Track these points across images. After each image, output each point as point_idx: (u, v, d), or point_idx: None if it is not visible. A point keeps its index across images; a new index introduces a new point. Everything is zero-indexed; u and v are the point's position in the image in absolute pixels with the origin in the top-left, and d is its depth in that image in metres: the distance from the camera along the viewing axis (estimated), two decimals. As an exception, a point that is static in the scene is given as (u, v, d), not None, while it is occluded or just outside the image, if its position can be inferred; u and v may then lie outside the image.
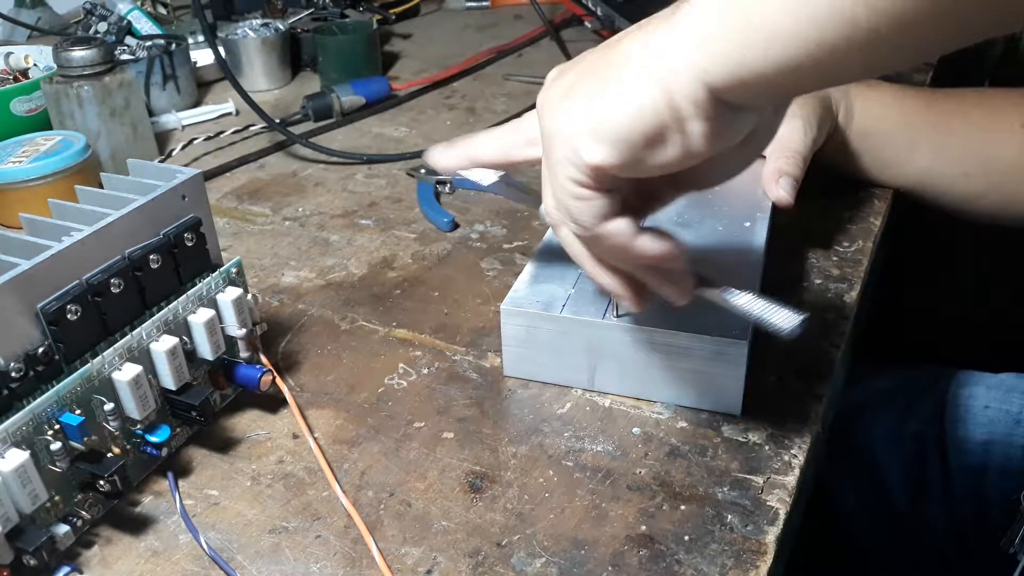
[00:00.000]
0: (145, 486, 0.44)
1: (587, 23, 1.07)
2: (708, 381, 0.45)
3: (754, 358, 0.44)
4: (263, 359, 0.49)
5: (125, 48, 0.88)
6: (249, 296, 0.48)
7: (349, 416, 0.48)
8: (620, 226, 0.37)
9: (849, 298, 0.55)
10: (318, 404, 0.49)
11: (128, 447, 0.43)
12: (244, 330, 0.47)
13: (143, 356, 0.43)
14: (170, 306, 0.44)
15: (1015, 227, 0.65)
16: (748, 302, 0.40)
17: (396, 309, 0.57)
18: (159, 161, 0.75)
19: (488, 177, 0.46)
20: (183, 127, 0.87)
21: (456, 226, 0.66)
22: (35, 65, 0.88)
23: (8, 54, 0.88)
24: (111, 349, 0.41)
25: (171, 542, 0.41)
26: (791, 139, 0.58)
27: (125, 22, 0.92)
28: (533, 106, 0.39)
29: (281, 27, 0.98)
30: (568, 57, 0.96)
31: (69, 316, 0.40)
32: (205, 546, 0.40)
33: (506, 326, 0.48)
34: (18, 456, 0.36)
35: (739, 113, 0.33)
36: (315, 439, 0.46)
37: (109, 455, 0.41)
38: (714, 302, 0.41)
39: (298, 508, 0.42)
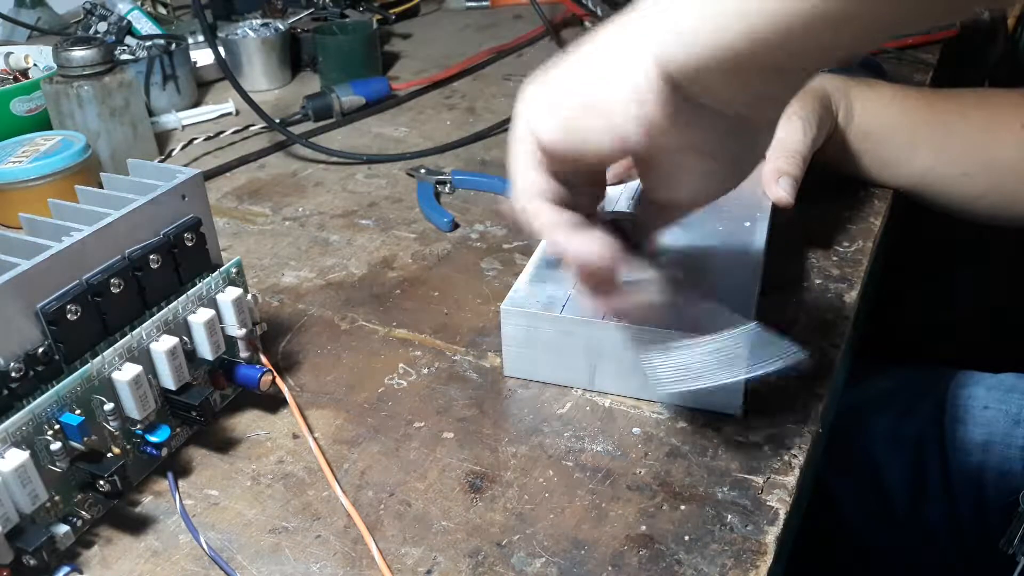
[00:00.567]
0: (145, 486, 0.44)
1: (587, 23, 1.07)
2: None
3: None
4: (263, 359, 0.49)
5: (125, 48, 0.88)
6: (249, 296, 0.48)
7: (349, 416, 0.48)
8: (546, 213, 0.37)
9: (849, 298, 0.55)
10: (318, 404, 0.49)
11: (128, 447, 0.43)
12: (244, 330, 0.47)
13: (143, 356, 0.43)
14: (170, 306, 0.44)
15: (1015, 227, 0.65)
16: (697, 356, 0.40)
17: (396, 309, 0.57)
18: (159, 161, 0.75)
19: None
20: (183, 127, 0.87)
21: (456, 226, 0.66)
22: (35, 65, 0.88)
23: (8, 54, 0.88)
24: (111, 349, 0.41)
25: (171, 542, 0.41)
26: (791, 139, 0.58)
27: (125, 22, 0.92)
28: None
29: (281, 27, 0.98)
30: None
31: (69, 316, 0.40)
32: (205, 546, 0.40)
33: (506, 326, 0.48)
34: (18, 456, 0.36)
35: (695, 110, 0.33)
36: (315, 439, 0.46)
37: (109, 455, 0.41)
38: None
39: (298, 508, 0.42)
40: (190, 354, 0.45)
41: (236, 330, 0.47)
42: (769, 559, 0.38)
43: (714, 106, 0.33)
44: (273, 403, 0.49)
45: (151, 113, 0.85)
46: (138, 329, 0.42)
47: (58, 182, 0.66)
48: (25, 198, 0.65)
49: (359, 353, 0.53)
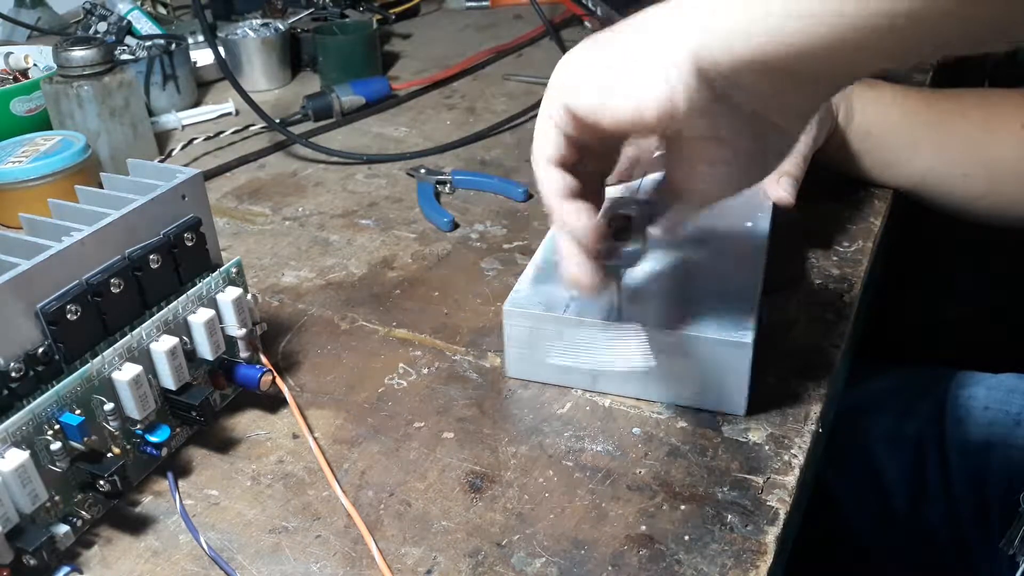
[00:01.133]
0: (145, 486, 0.44)
1: (587, 23, 1.07)
2: (712, 381, 0.45)
3: (756, 358, 0.44)
4: (263, 359, 0.49)
5: (125, 48, 0.88)
6: (249, 296, 0.48)
7: (349, 416, 0.48)
8: (552, 175, 0.39)
9: (849, 298, 0.55)
10: (318, 404, 0.49)
11: (128, 447, 0.43)
12: (244, 330, 0.47)
13: (143, 356, 0.43)
14: (170, 306, 0.44)
15: (1015, 227, 0.65)
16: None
17: (396, 309, 0.57)
18: (159, 161, 0.75)
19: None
20: (183, 127, 0.87)
21: (456, 226, 0.66)
22: (35, 65, 0.88)
23: (8, 54, 0.88)
24: (111, 349, 0.41)
25: (171, 542, 0.41)
26: (791, 139, 0.58)
27: (125, 22, 0.92)
28: (534, 106, 0.40)
29: (281, 27, 0.98)
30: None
31: (69, 316, 0.40)
32: (205, 546, 0.40)
33: (508, 327, 0.48)
34: (18, 456, 0.36)
35: (723, 103, 0.33)
36: (315, 439, 0.46)
37: (109, 455, 0.41)
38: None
39: (298, 508, 0.42)
40: (190, 354, 0.45)
41: (236, 330, 0.47)
42: (769, 559, 0.38)
43: (743, 105, 0.34)
44: (273, 403, 0.49)
45: (151, 113, 0.85)
46: (138, 329, 0.42)
47: (58, 182, 0.66)
48: (25, 198, 0.65)
49: (359, 353, 0.53)
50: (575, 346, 0.47)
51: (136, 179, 0.46)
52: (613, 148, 0.43)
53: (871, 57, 0.30)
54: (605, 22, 0.96)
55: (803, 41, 0.29)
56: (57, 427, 0.39)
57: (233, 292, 0.46)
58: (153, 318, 0.43)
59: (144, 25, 0.97)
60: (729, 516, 0.40)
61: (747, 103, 0.34)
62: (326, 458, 0.45)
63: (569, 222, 0.40)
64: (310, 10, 1.03)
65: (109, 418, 0.41)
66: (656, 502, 0.41)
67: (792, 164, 0.57)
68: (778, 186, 0.56)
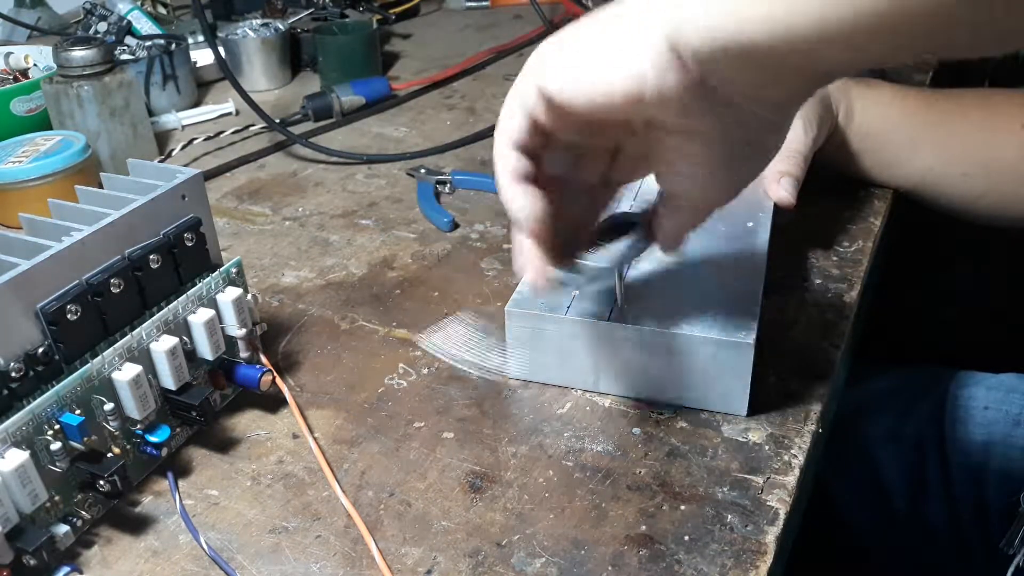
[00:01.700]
0: (145, 486, 0.44)
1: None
2: (714, 382, 0.45)
3: (756, 358, 0.44)
4: (263, 359, 0.49)
5: (125, 48, 0.88)
6: (249, 296, 0.48)
7: (349, 416, 0.48)
8: (507, 155, 0.38)
9: (849, 298, 0.55)
10: (318, 404, 0.49)
11: (128, 447, 0.43)
12: (244, 330, 0.47)
13: (143, 356, 0.43)
14: (170, 306, 0.44)
15: (1015, 227, 0.65)
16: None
17: (396, 309, 0.57)
18: (159, 161, 0.75)
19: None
20: (183, 127, 0.87)
21: (456, 226, 0.66)
22: (35, 65, 0.88)
23: (8, 54, 0.88)
24: (111, 349, 0.41)
25: (171, 542, 0.41)
26: (791, 139, 0.58)
27: (125, 22, 0.92)
28: None
29: (281, 27, 0.98)
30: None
31: (69, 316, 0.40)
32: (205, 546, 0.40)
33: (510, 328, 0.48)
34: (18, 456, 0.36)
35: (701, 94, 0.33)
36: (315, 439, 0.46)
37: (109, 455, 0.41)
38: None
39: (298, 508, 0.42)
40: (190, 354, 0.45)
41: (236, 330, 0.47)
42: (769, 559, 0.38)
43: (723, 94, 0.33)
44: (273, 403, 0.49)
45: (151, 113, 0.85)
46: (138, 329, 0.42)
47: (58, 182, 0.66)
48: (25, 198, 0.65)
49: (359, 353, 0.53)
50: (576, 346, 0.47)
51: (136, 179, 0.46)
52: (583, 144, 0.41)
53: (855, 53, 0.29)
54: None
55: (781, 31, 0.28)
56: (57, 427, 0.39)
57: (233, 292, 0.46)
58: (153, 318, 0.43)
59: (144, 25, 0.97)
60: (729, 516, 0.40)
61: (727, 92, 0.33)
62: (326, 458, 0.45)
63: (512, 205, 0.39)
64: (310, 10, 1.03)
65: (109, 418, 0.41)
66: (656, 502, 0.41)
67: (793, 164, 0.57)
68: (779, 186, 0.56)
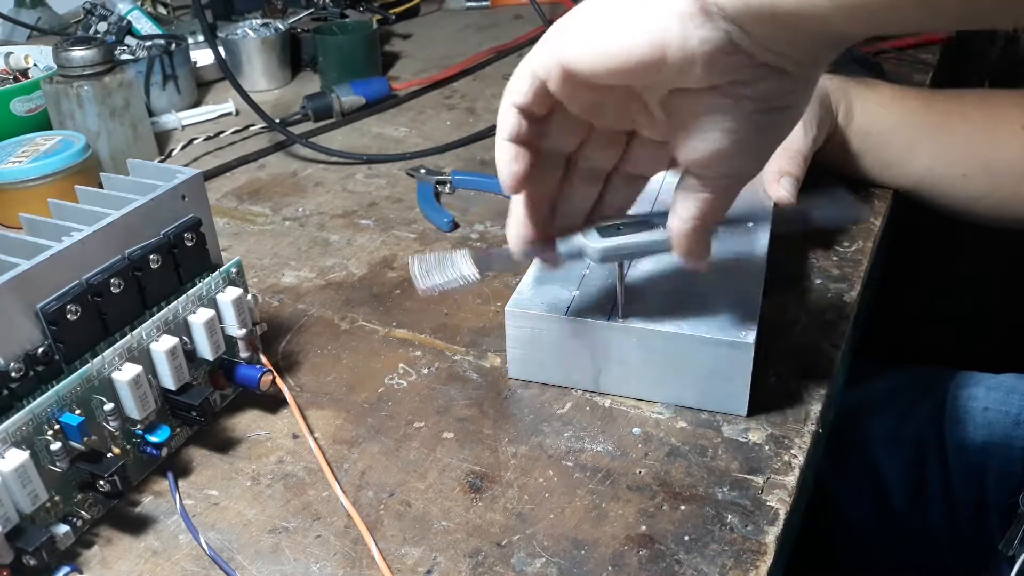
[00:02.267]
0: (145, 486, 0.44)
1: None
2: (714, 382, 0.45)
3: (756, 358, 0.44)
4: (263, 359, 0.49)
5: (125, 48, 0.88)
6: (249, 296, 0.48)
7: (349, 416, 0.48)
8: (509, 115, 0.39)
9: (849, 298, 0.55)
10: (318, 404, 0.49)
11: (128, 447, 0.43)
12: (244, 330, 0.47)
13: (143, 356, 0.43)
14: (170, 306, 0.44)
15: (1015, 227, 0.65)
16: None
17: (396, 309, 0.57)
18: (159, 161, 0.75)
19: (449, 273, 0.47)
20: (183, 127, 0.87)
21: (456, 226, 0.66)
22: (35, 65, 0.88)
23: (8, 54, 0.88)
24: (111, 349, 0.41)
25: (171, 542, 0.41)
26: (791, 139, 0.58)
27: (125, 22, 0.92)
28: None
29: (281, 27, 0.98)
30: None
31: (69, 316, 0.40)
32: (205, 546, 0.40)
33: (510, 328, 0.48)
34: (18, 456, 0.36)
35: (723, 53, 0.32)
36: (315, 439, 0.46)
37: (109, 455, 0.41)
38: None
39: (298, 508, 0.42)
40: (190, 354, 0.45)
41: (236, 330, 0.47)
42: (769, 559, 0.38)
43: (749, 52, 0.32)
44: (273, 403, 0.49)
45: (151, 113, 0.85)
46: (138, 329, 0.42)
47: (58, 182, 0.66)
48: (25, 198, 0.65)
49: (359, 353, 0.53)
50: (576, 346, 0.47)
51: (136, 179, 0.46)
52: (595, 123, 0.41)
53: (878, 19, 0.29)
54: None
55: None
56: (57, 427, 0.39)
57: (233, 292, 0.46)
58: (153, 318, 0.43)
59: (144, 25, 0.97)
60: (729, 516, 0.40)
61: (753, 51, 0.32)
62: (326, 458, 0.45)
63: (498, 162, 0.39)
64: (310, 10, 1.03)
65: (109, 418, 0.41)
66: (656, 502, 0.41)
67: (793, 164, 0.57)
68: (779, 186, 0.56)
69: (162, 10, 1.12)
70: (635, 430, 0.46)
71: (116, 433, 0.42)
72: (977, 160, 0.64)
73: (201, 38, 0.96)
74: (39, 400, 0.38)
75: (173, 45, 0.90)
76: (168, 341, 0.43)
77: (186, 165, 0.67)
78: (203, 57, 0.95)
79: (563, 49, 0.35)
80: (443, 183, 0.72)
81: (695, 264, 0.41)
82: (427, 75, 0.95)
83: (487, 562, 0.39)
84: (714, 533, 0.39)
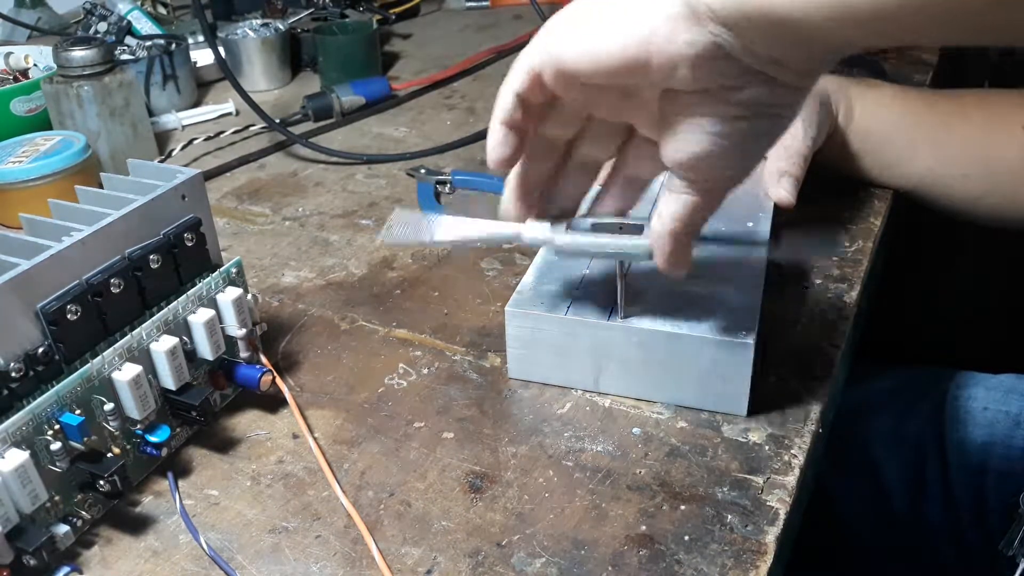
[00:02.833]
0: (145, 486, 0.44)
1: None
2: (714, 382, 0.45)
3: (756, 358, 0.44)
4: (263, 359, 0.49)
5: (125, 48, 0.88)
6: (249, 296, 0.48)
7: (349, 416, 0.48)
8: (505, 100, 0.39)
9: (849, 298, 0.55)
10: (318, 404, 0.49)
11: (128, 447, 0.43)
12: (244, 330, 0.47)
13: (143, 356, 0.43)
14: (170, 306, 0.44)
15: (1015, 227, 0.65)
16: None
17: (396, 309, 0.57)
18: (159, 161, 0.75)
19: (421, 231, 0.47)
20: (183, 127, 0.87)
21: (456, 226, 0.66)
22: (35, 65, 0.88)
23: (8, 54, 0.88)
24: (111, 349, 0.41)
25: (171, 542, 0.41)
26: (791, 139, 0.58)
27: (125, 22, 0.92)
28: None
29: (281, 27, 0.98)
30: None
31: (69, 316, 0.40)
32: (205, 546, 0.40)
33: (510, 328, 0.48)
34: (18, 456, 0.36)
35: (715, 56, 0.32)
36: (315, 439, 0.46)
37: (109, 455, 0.41)
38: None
39: (298, 508, 0.42)
40: (190, 354, 0.45)
41: (236, 330, 0.47)
42: (769, 559, 0.38)
43: (738, 57, 0.32)
44: (273, 403, 0.49)
45: (151, 113, 0.85)
46: (138, 329, 0.42)
47: (58, 182, 0.66)
48: (25, 198, 0.65)
49: (359, 353, 0.53)
50: (576, 346, 0.47)
51: (136, 179, 0.46)
52: (593, 114, 0.42)
53: (871, 33, 0.29)
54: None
55: (802, 2, 0.28)
56: (57, 427, 0.39)
57: (233, 292, 0.46)
58: (153, 318, 0.43)
59: (144, 25, 0.97)
60: (729, 516, 0.40)
61: (742, 56, 0.32)
62: (326, 458, 0.45)
63: (489, 143, 0.40)
64: (310, 10, 1.03)
65: (109, 418, 0.41)
66: (656, 502, 0.41)
67: (792, 164, 0.57)
68: (779, 186, 0.56)
69: (162, 10, 1.12)
70: (635, 430, 0.46)
71: (116, 433, 0.42)
72: (977, 160, 0.64)
73: (201, 38, 0.96)
74: (39, 400, 0.38)
75: (173, 45, 0.90)
76: (168, 341, 0.43)
77: (186, 165, 0.67)
78: (203, 57, 0.95)
79: (555, 47, 0.36)
80: (443, 183, 0.72)
81: (673, 271, 0.41)
82: (427, 75, 0.95)
83: (487, 562, 0.39)
84: (714, 533, 0.39)
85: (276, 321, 0.55)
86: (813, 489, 0.47)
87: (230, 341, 0.47)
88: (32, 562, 0.37)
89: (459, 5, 1.24)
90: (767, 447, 0.44)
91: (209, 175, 0.76)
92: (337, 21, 1.00)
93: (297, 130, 0.83)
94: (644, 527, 0.40)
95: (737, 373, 0.44)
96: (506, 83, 0.39)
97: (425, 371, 0.51)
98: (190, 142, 0.79)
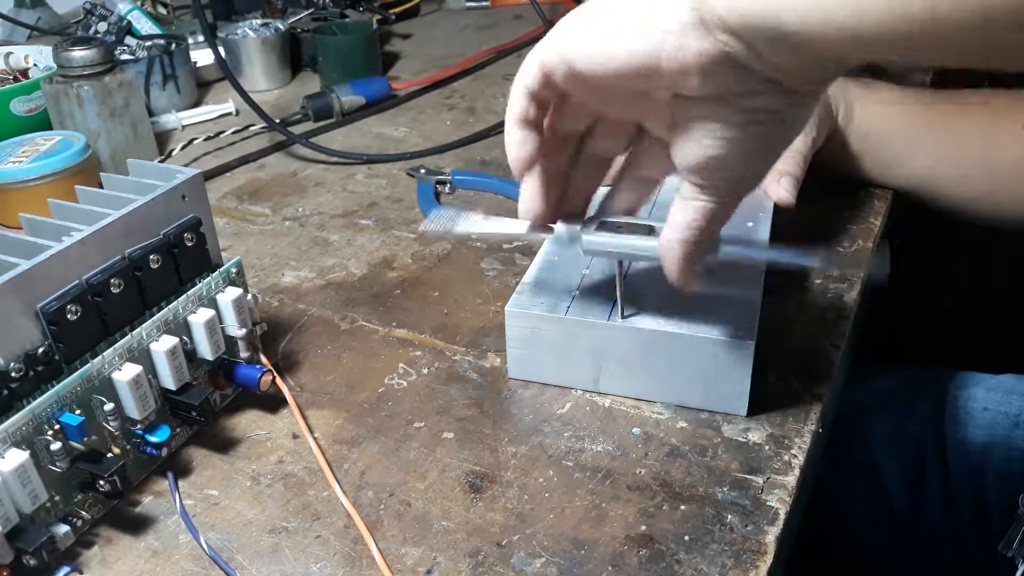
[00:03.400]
0: (145, 486, 0.44)
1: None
2: (714, 382, 0.45)
3: (756, 358, 0.44)
4: (263, 359, 0.49)
5: (125, 48, 0.88)
6: (249, 296, 0.48)
7: (349, 416, 0.48)
8: (518, 100, 0.40)
9: (849, 298, 0.55)
10: (318, 404, 0.49)
11: (128, 447, 0.43)
12: (244, 330, 0.47)
13: (143, 356, 0.43)
14: (170, 306, 0.44)
15: (1015, 228, 0.65)
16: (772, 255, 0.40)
17: (396, 309, 0.57)
18: (159, 161, 0.75)
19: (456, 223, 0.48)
20: (183, 127, 0.87)
21: (456, 226, 0.66)
22: (35, 65, 0.88)
23: (8, 54, 0.88)
24: (111, 349, 0.41)
25: (171, 542, 0.41)
26: (791, 139, 0.58)
27: (125, 22, 0.92)
28: None
29: (281, 27, 0.98)
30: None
31: (69, 316, 0.40)
32: (205, 546, 0.40)
33: (510, 328, 0.48)
34: (18, 456, 0.36)
35: (724, 66, 0.32)
36: (315, 439, 0.46)
37: (109, 455, 0.41)
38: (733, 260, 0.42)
39: (298, 508, 0.42)
40: (190, 354, 0.45)
41: (236, 330, 0.47)
42: (769, 559, 0.38)
43: (747, 66, 0.32)
44: (273, 403, 0.49)
45: (151, 113, 0.85)
46: (138, 329, 0.42)
47: (58, 182, 0.66)
48: (25, 198, 0.65)
49: (359, 353, 0.53)
50: (576, 346, 0.47)
51: (136, 179, 0.46)
52: (605, 111, 0.42)
53: (882, 49, 0.29)
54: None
55: (810, 18, 0.29)
56: (57, 427, 0.39)
57: (233, 292, 0.46)
58: (153, 318, 0.43)
59: (144, 25, 0.97)
60: (729, 516, 0.40)
61: (751, 65, 0.32)
62: (326, 458, 0.45)
63: (508, 146, 0.41)
64: (310, 10, 1.03)
65: (109, 418, 0.41)
66: (656, 502, 0.41)
67: (792, 164, 0.57)
68: (779, 186, 0.56)
69: (162, 10, 1.12)
70: (635, 430, 0.46)
71: (116, 433, 0.42)
72: (977, 160, 0.64)
73: (201, 38, 0.96)
74: (39, 400, 0.38)
75: (173, 45, 0.90)
76: (168, 341, 0.43)
77: (186, 165, 0.67)
78: (203, 57, 0.95)
79: (567, 48, 0.36)
80: (443, 183, 0.72)
81: (680, 281, 0.41)
82: (427, 75, 0.95)
83: (487, 562, 0.39)
84: (714, 533, 0.39)
85: (276, 321, 0.55)
86: (813, 489, 0.47)
87: (230, 341, 0.47)
88: (32, 562, 0.37)
89: (459, 5, 1.24)
90: (767, 447, 0.44)
91: (209, 175, 0.76)
92: (337, 21, 1.00)
93: (297, 130, 0.83)
94: (644, 527, 0.40)
95: (737, 373, 0.44)
96: (517, 80, 0.40)
97: (425, 371, 0.51)
98: (190, 142, 0.79)
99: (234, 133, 0.82)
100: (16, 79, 0.86)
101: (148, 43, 0.89)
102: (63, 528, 0.40)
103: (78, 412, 0.39)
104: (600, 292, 0.48)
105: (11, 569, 0.37)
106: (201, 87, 0.96)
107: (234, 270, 0.48)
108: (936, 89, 0.80)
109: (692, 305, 0.46)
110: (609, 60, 0.35)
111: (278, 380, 0.48)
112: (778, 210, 0.56)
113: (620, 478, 0.43)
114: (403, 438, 0.46)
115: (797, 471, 0.42)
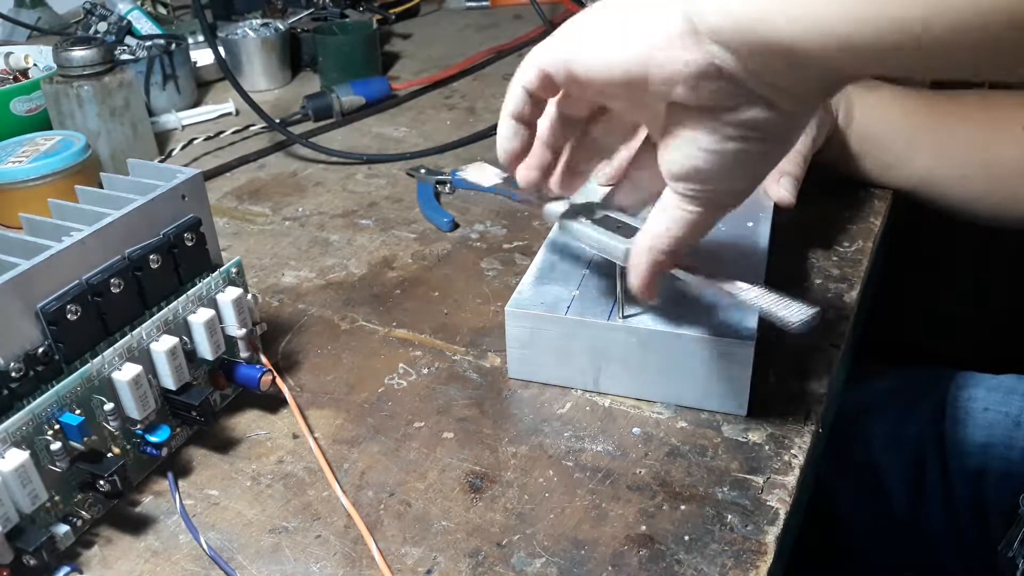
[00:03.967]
0: (145, 486, 0.44)
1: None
2: (714, 382, 0.45)
3: (756, 358, 0.44)
4: (263, 359, 0.49)
5: (125, 48, 0.88)
6: (249, 296, 0.48)
7: (349, 416, 0.48)
8: (515, 94, 0.40)
9: (849, 298, 0.55)
10: (318, 404, 0.49)
11: (128, 447, 0.43)
12: (244, 330, 0.47)
13: (143, 356, 0.43)
14: (170, 306, 0.44)
15: (1015, 228, 0.65)
16: (756, 296, 0.40)
17: (396, 309, 0.57)
18: (159, 161, 0.75)
19: (489, 178, 0.48)
20: (183, 127, 0.87)
21: (456, 226, 0.66)
22: (35, 65, 0.88)
23: (8, 54, 0.88)
24: (111, 349, 0.41)
25: (171, 542, 0.41)
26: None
27: (125, 22, 0.92)
28: None
29: (281, 27, 0.98)
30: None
31: (69, 316, 0.40)
32: (205, 546, 0.40)
33: (510, 328, 0.48)
34: (18, 456, 0.36)
35: (714, 78, 0.33)
36: (315, 439, 0.46)
37: (109, 455, 0.41)
38: (720, 295, 0.42)
39: (298, 508, 0.42)
40: (190, 354, 0.45)
41: (236, 330, 0.47)
42: (769, 559, 0.38)
43: (738, 78, 0.32)
44: (273, 403, 0.49)
45: (151, 113, 0.85)
46: (138, 329, 0.42)
47: (58, 182, 0.66)
48: (25, 198, 0.65)
49: (359, 353, 0.53)
50: (576, 346, 0.47)
51: (136, 179, 0.46)
52: (599, 105, 0.43)
53: (872, 63, 0.30)
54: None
55: (805, 29, 0.29)
56: (57, 427, 0.39)
57: (233, 292, 0.46)
58: (153, 318, 0.43)
59: (144, 25, 0.97)
60: (729, 516, 0.40)
61: (742, 77, 0.32)
62: (326, 458, 0.45)
63: (499, 137, 0.42)
64: (310, 10, 1.03)
65: (109, 418, 0.41)
66: (656, 502, 0.41)
67: (792, 164, 0.57)
68: (779, 186, 0.56)
69: (162, 10, 1.12)
70: (635, 430, 0.46)
71: (116, 433, 0.42)
72: (977, 160, 0.64)
73: (201, 38, 0.96)
74: (39, 400, 0.38)
75: (173, 45, 0.90)
76: (168, 341, 0.43)
77: (186, 165, 0.67)
78: (203, 57, 0.95)
79: (567, 51, 0.37)
80: (443, 183, 0.72)
81: (638, 289, 0.41)
82: (427, 75, 0.96)
83: (487, 562, 0.39)
84: (714, 533, 0.39)
85: (276, 321, 0.55)
86: (813, 489, 0.47)
87: (230, 341, 0.47)
88: (32, 562, 0.37)
89: (459, 5, 1.24)
90: (767, 447, 0.44)
91: (209, 175, 0.76)
92: (337, 21, 1.01)
93: (297, 130, 0.83)
94: (644, 527, 0.40)
95: (737, 373, 0.44)
96: (516, 78, 0.40)
97: (425, 371, 0.51)
98: (190, 142, 0.79)
99: (234, 133, 0.82)
100: (16, 79, 0.86)
101: (148, 43, 0.89)
102: (63, 528, 0.40)
103: (78, 412, 0.39)
104: (600, 292, 0.48)
105: (11, 569, 0.37)
106: (201, 87, 0.96)
107: (234, 270, 0.48)
108: (936, 90, 0.80)
109: (692, 305, 0.46)
110: (604, 67, 0.36)
111: (278, 380, 0.48)
112: (778, 210, 0.56)
113: (620, 478, 0.43)
114: (403, 438, 0.46)
115: (797, 471, 0.42)
